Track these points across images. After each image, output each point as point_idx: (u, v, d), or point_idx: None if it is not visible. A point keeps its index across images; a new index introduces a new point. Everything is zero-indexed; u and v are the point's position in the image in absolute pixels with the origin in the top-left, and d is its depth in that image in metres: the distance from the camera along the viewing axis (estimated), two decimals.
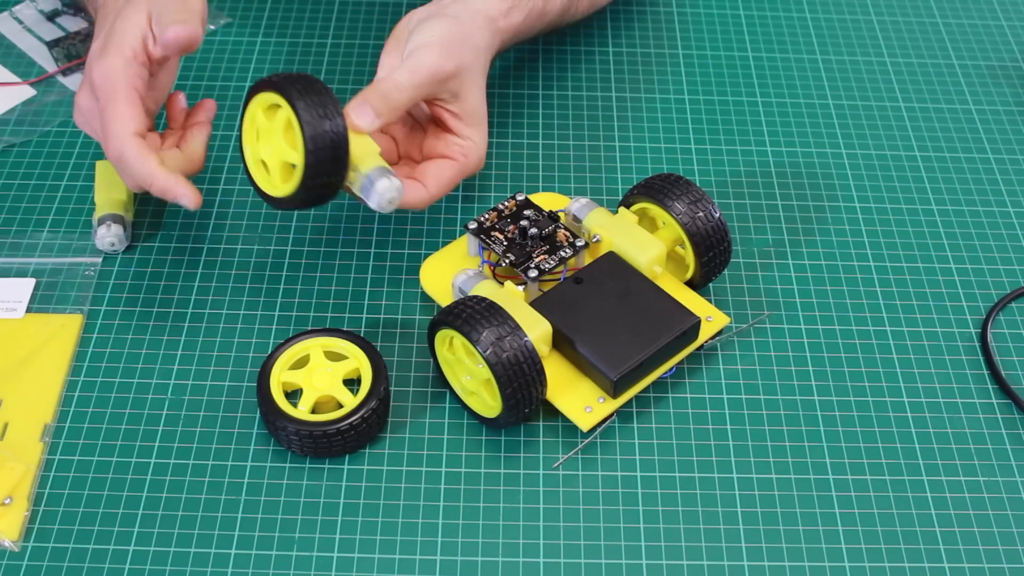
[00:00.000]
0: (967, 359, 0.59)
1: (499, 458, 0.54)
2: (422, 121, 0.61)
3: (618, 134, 0.70)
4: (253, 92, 0.53)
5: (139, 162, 0.53)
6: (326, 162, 0.51)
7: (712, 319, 0.57)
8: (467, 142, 0.59)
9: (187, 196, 0.54)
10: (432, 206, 0.64)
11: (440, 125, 0.60)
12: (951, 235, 0.65)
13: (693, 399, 0.56)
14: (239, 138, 0.55)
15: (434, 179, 0.58)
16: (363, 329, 0.59)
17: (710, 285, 0.61)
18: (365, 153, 0.53)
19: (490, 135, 0.69)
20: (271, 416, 0.52)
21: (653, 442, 0.54)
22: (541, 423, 0.55)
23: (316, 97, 0.50)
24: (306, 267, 0.61)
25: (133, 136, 0.53)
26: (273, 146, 0.53)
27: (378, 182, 0.52)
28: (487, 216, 0.59)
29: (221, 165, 0.66)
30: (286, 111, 0.51)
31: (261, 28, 0.76)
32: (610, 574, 0.50)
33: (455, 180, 0.59)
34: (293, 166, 0.52)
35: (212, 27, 0.75)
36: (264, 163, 0.54)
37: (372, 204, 0.53)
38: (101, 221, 0.61)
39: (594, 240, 0.58)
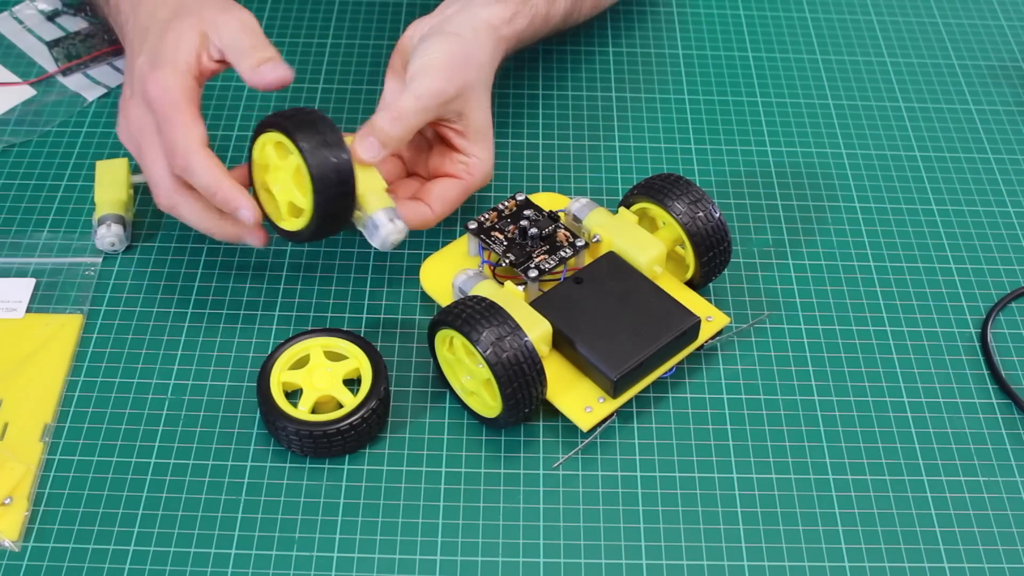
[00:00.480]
0: (967, 359, 0.59)
1: (499, 458, 0.54)
2: (428, 137, 0.61)
3: (618, 134, 0.70)
4: (265, 127, 0.53)
5: (207, 172, 0.53)
6: (334, 212, 0.52)
7: (712, 319, 0.57)
8: (472, 159, 0.59)
9: (248, 210, 0.53)
10: None
11: (445, 143, 0.60)
12: (951, 235, 0.65)
13: (693, 399, 0.56)
14: (248, 157, 0.56)
15: (439, 199, 0.58)
16: (363, 329, 0.59)
17: (710, 285, 0.61)
18: (371, 191, 0.53)
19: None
20: (271, 416, 0.52)
21: (653, 442, 0.54)
22: (541, 423, 0.55)
23: (327, 150, 0.51)
24: (306, 267, 0.61)
25: (201, 146, 0.53)
26: (282, 184, 0.54)
27: (382, 227, 0.53)
28: (487, 216, 0.59)
29: None
30: (296, 157, 0.52)
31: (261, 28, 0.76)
32: (610, 574, 0.50)
33: (461, 198, 0.59)
34: (302, 209, 0.53)
35: None
36: (271, 193, 0.55)
37: (375, 244, 0.54)
38: (101, 221, 0.61)
39: (594, 240, 0.58)
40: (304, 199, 0.52)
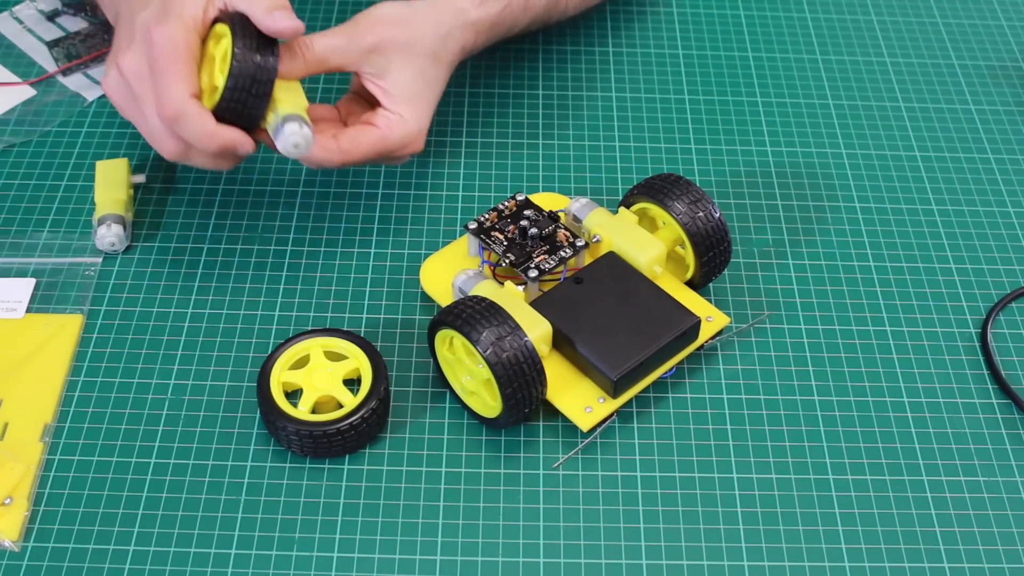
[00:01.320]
0: (967, 359, 0.59)
1: (499, 458, 0.54)
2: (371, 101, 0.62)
3: (618, 134, 0.70)
4: (215, 21, 0.56)
5: (199, 120, 0.54)
6: (243, 90, 0.53)
7: (712, 319, 0.57)
8: (394, 116, 0.59)
9: (245, 145, 0.55)
10: (432, 206, 0.65)
11: (372, 100, 0.60)
12: (951, 235, 0.65)
13: (693, 399, 0.56)
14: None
15: (349, 139, 0.58)
16: (363, 329, 0.59)
17: (710, 285, 0.61)
18: (288, 100, 0.55)
19: (490, 135, 0.69)
20: (271, 416, 0.52)
21: (653, 442, 0.54)
22: (541, 423, 0.55)
23: (256, 39, 0.54)
24: (306, 267, 0.61)
25: (193, 97, 0.54)
26: (209, 70, 0.55)
27: (287, 125, 0.54)
28: (487, 216, 0.59)
29: None
30: (228, 41, 0.54)
31: None
32: (610, 574, 0.50)
33: (372, 148, 0.59)
34: (216, 87, 0.55)
35: None
36: (203, 88, 0.56)
37: (279, 146, 0.54)
38: (101, 221, 0.61)
39: (594, 240, 0.58)
40: (222, 79, 0.54)
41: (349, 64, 0.58)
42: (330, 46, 0.57)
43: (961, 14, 0.81)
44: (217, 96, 0.54)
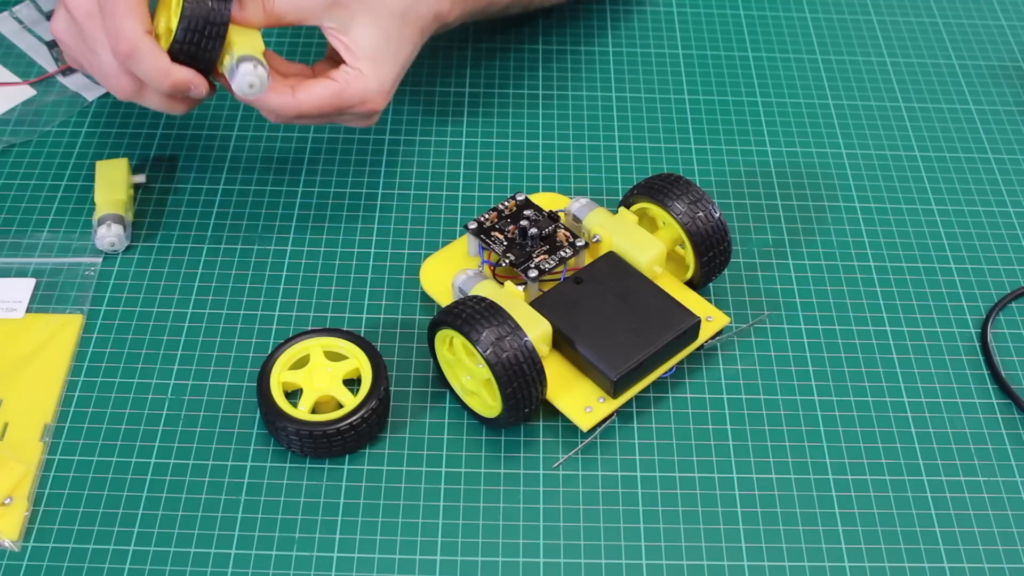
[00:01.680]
0: (967, 359, 0.59)
1: (499, 458, 0.54)
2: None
3: (618, 134, 0.70)
4: None
5: (153, 57, 0.54)
6: (196, 31, 0.54)
7: (712, 319, 0.57)
8: (353, 71, 0.59)
9: (200, 87, 0.55)
10: (432, 206, 0.65)
11: (335, 56, 0.60)
12: (951, 235, 0.65)
13: (693, 399, 0.56)
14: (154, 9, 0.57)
15: (305, 89, 0.58)
16: (363, 329, 0.59)
17: (710, 285, 0.61)
18: (244, 43, 0.55)
19: (490, 135, 0.69)
20: (271, 416, 0.52)
21: (653, 442, 0.54)
22: (541, 423, 0.55)
23: None
24: (306, 267, 0.61)
25: (146, 33, 0.54)
26: (167, 15, 0.56)
27: (242, 65, 0.54)
28: (487, 216, 0.59)
29: (221, 165, 0.66)
30: None
31: None
32: (610, 574, 0.50)
33: (329, 100, 0.58)
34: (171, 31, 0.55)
35: None
36: (159, 34, 0.56)
37: (233, 86, 0.55)
38: (101, 221, 0.61)
39: (594, 240, 0.58)
40: (175, 21, 0.54)
41: (310, 17, 0.58)
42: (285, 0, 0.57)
43: (961, 14, 0.81)
44: (169, 39, 0.54)
